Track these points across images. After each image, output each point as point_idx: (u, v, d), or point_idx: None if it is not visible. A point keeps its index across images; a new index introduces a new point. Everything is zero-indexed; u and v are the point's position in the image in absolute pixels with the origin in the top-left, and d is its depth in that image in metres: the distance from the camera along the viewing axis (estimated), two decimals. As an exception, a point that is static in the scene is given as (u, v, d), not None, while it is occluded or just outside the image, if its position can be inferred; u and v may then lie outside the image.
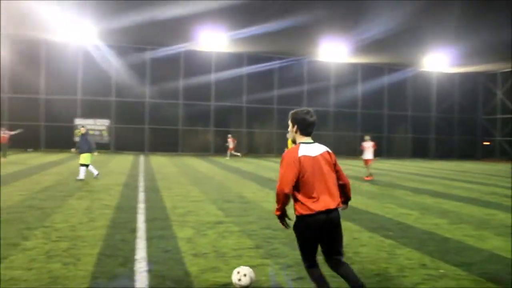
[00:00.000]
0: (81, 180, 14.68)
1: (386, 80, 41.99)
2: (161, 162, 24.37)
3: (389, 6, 23.67)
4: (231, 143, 32.97)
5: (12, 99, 34.30)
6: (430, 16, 26.37)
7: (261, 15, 26.41)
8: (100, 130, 35.56)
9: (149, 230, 7.57)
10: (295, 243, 4.15)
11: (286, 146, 20.20)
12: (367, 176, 17.84)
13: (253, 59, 38.12)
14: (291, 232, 4.10)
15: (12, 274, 5.08)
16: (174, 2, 24.30)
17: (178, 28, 29.95)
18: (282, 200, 3.91)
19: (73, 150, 15.89)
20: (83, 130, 15.82)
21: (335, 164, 4.11)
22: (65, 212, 8.96)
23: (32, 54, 34.31)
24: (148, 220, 8.39)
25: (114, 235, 7.13)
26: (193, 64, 36.75)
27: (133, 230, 7.50)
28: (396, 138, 43.76)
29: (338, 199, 4.01)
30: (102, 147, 34.85)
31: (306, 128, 4.06)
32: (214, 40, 33.54)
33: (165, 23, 27.67)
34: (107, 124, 35.77)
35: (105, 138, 35.52)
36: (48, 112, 34.88)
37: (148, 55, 36.17)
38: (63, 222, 8.03)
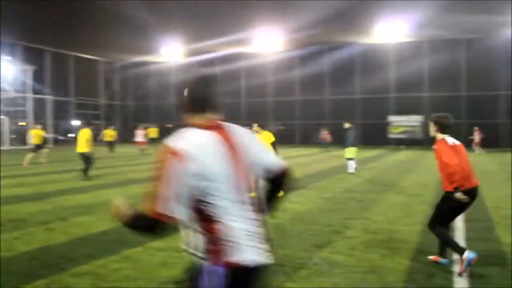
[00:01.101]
0: (351, 173, 15.38)
1: None
2: (481, 159, 22.48)
3: None
4: (477, 136, 28.36)
5: (331, 101, 37.86)
6: None
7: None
8: (413, 127, 35.44)
9: (468, 230, 7.10)
10: None
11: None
12: None
13: None
14: None
15: (335, 258, 5.57)
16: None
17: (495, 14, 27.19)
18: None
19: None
20: (347, 125, 16.35)
21: None
22: (383, 206, 9.28)
23: (347, 57, 37.01)
24: (468, 220, 7.85)
25: (430, 232, 6.96)
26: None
27: (451, 229, 7.16)
28: None
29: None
30: (415, 143, 34.83)
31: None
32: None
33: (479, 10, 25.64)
34: (420, 120, 35.38)
35: (419, 134, 35.18)
36: (363, 110, 36.97)
37: (463, 46, 34.09)
38: (380, 215, 8.33)
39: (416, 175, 15.39)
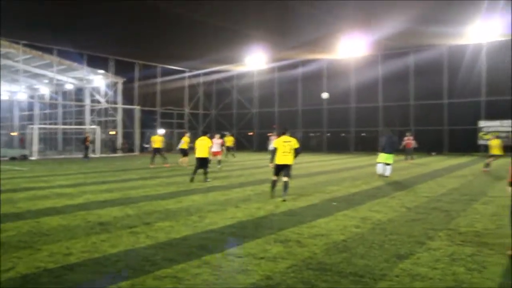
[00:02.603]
0: (385, 177, 16.04)
1: None
2: None
3: None
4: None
5: (418, 106, 36.44)
6: None
7: None
8: (507, 132, 33.17)
9: None
10: None
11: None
12: None
13: None
14: None
15: (418, 270, 5.33)
16: None
17: None
18: None
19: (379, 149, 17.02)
20: (389, 132, 17.28)
21: None
22: (470, 217, 8.76)
23: (436, 61, 35.43)
24: None
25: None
26: None
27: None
28: None
29: None
30: (509, 150, 32.53)
31: None
32: None
33: None
34: (514, 125, 33.08)
35: (513, 140, 32.89)
36: (451, 116, 35.21)
37: None
38: (467, 226, 7.87)
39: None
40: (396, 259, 5.82)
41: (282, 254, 6.07)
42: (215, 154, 22.02)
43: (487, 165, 18.60)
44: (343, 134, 41.40)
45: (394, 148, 16.78)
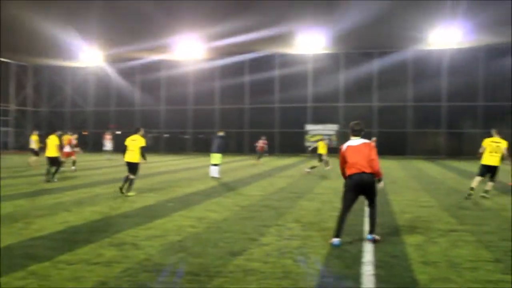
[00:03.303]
0: (217, 178, 16.29)
1: None
2: (389, 166, 23.91)
3: None
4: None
5: (252, 109, 38.44)
6: None
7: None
8: (330, 135, 36.80)
9: (376, 233, 7.45)
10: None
11: None
12: None
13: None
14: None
15: (251, 266, 5.60)
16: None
17: (405, 29, 29.04)
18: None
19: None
20: (220, 133, 17.41)
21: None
22: (297, 213, 9.49)
23: (267, 67, 37.72)
24: (376, 224, 8.28)
25: (342, 237, 7.23)
26: (423, 65, 35.16)
27: (359, 233, 7.50)
28: None
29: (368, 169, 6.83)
30: (331, 151, 36.10)
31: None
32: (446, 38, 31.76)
33: (392, 26, 27.21)
34: (336, 128, 36.85)
35: (334, 142, 36.56)
36: (281, 119, 37.93)
37: (376, 59, 36.08)
38: (295, 221, 8.52)
39: (330, 182, 15.93)
40: (230, 256, 6.04)
41: (117, 258, 5.88)
42: (67, 154, 19.96)
43: (314, 167, 19.69)
44: (181, 136, 41.67)
45: (220, 148, 16.73)
